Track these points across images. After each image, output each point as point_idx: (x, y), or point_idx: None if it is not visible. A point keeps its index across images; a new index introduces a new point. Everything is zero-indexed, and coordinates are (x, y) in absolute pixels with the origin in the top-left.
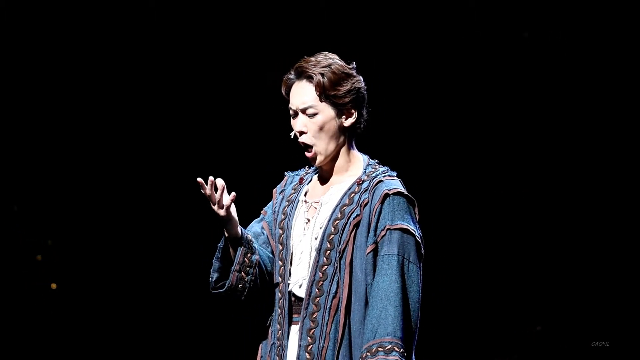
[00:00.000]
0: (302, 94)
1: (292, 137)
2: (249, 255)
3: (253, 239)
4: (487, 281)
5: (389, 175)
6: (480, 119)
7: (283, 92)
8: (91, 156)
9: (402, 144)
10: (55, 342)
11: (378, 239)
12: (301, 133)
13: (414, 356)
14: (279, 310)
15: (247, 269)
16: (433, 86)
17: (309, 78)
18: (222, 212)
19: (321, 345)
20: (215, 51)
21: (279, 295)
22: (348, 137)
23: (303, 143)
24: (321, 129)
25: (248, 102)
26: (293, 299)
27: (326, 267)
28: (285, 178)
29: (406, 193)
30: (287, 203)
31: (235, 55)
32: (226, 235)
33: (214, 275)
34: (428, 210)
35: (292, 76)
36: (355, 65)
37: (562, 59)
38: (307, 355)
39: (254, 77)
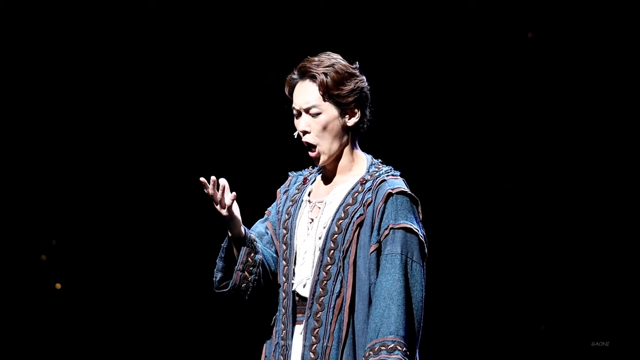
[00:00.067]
0: (306, 93)
1: (295, 136)
2: (252, 255)
3: (257, 239)
4: (491, 280)
5: (393, 175)
6: (483, 118)
7: (286, 92)
8: (95, 156)
9: (406, 143)
10: (59, 342)
11: (381, 238)
12: (305, 133)
13: (417, 355)
14: (283, 310)
15: (251, 268)
16: (435, 85)
17: (312, 78)
18: (224, 212)
19: (325, 344)
20: (216, 51)
21: (283, 295)
22: (351, 137)
23: (306, 143)
24: (324, 128)
25: (248, 102)
26: (297, 298)
27: (330, 266)
28: (289, 178)
29: (409, 192)
30: (290, 203)
31: (235, 55)
32: (229, 235)
33: (218, 275)
34: (431, 210)
35: (295, 76)
36: (358, 65)
37: (563, 59)
38: (312, 355)
39: (254, 77)
